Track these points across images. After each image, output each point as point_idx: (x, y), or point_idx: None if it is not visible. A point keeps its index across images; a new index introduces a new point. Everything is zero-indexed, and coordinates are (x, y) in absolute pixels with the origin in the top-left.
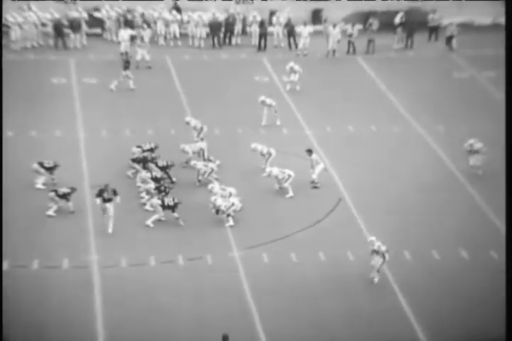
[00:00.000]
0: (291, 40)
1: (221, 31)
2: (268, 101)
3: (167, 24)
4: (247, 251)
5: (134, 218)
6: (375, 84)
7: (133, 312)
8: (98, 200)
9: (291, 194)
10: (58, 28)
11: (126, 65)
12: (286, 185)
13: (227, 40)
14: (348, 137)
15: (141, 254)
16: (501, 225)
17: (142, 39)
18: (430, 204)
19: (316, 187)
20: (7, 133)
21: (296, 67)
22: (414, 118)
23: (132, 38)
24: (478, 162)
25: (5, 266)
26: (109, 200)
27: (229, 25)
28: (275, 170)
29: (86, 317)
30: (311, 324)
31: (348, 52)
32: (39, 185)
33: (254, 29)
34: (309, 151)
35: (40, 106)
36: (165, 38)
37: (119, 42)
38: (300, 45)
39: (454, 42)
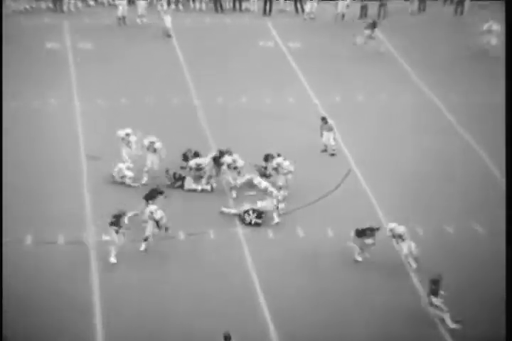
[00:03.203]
0: (298, 4)
1: None
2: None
3: None
4: (252, 227)
5: (131, 194)
6: (386, 51)
7: (130, 286)
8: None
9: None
10: None
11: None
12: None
13: (232, 5)
14: (358, 106)
15: (141, 229)
16: None
17: (162, 5)
18: (444, 176)
19: (333, 154)
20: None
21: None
22: (427, 85)
23: (130, 2)
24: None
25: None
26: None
27: None
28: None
29: (82, 291)
30: (318, 301)
31: (360, 16)
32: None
33: None
34: (324, 119)
35: (34, 73)
36: (168, 2)
37: (115, 6)
38: (307, 9)
39: (466, 5)
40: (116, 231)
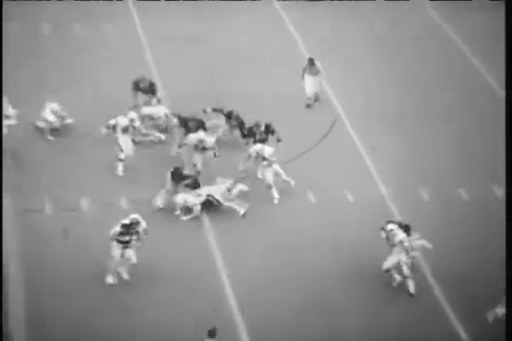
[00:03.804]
0: None
1: None
2: None
3: None
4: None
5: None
6: None
7: (54, 256)
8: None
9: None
10: None
11: None
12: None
13: None
14: (348, 39)
15: (72, 197)
16: None
17: None
18: (447, 126)
19: (316, 100)
20: None
21: None
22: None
23: None
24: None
25: None
26: (127, 243)
27: None
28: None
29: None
30: (292, 284)
31: None
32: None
33: None
34: (310, 60)
35: None
36: None
37: None
38: None
39: None
40: (125, 246)
